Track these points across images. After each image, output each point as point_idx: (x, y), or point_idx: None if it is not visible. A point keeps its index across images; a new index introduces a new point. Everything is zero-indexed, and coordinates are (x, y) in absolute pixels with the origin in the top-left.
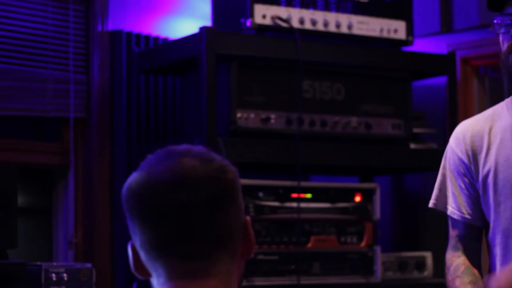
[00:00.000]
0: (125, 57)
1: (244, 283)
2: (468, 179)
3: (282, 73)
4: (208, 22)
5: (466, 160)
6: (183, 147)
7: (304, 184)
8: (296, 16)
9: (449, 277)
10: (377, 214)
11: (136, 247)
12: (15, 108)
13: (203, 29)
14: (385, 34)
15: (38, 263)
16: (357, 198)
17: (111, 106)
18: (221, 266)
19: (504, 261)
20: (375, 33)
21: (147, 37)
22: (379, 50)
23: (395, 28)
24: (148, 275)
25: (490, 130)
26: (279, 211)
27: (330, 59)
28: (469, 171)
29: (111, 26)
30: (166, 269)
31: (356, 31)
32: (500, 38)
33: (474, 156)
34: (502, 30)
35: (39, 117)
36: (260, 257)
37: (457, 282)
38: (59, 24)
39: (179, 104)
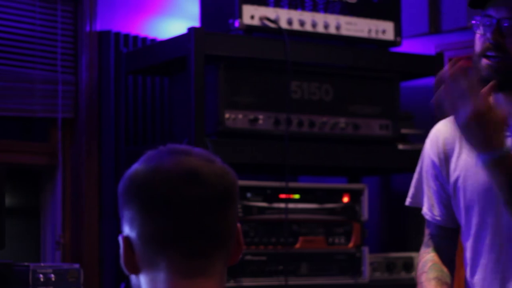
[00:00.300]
0: (113, 57)
1: (232, 283)
2: (440, 182)
3: (270, 74)
4: (196, 23)
5: (438, 163)
6: (184, 147)
7: (292, 184)
8: (284, 17)
9: (418, 272)
10: (365, 214)
11: (132, 239)
12: (3, 109)
13: (191, 30)
14: (373, 35)
15: (26, 263)
16: (345, 199)
17: (99, 107)
18: (219, 266)
19: (473, 265)
20: (363, 34)
21: (136, 38)
22: (367, 51)
23: (383, 29)
24: (137, 271)
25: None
26: (267, 211)
27: (318, 60)
28: (441, 174)
29: (99, 26)
30: (167, 264)
31: (344, 31)
32: (476, 38)
33: (446, 159)
34: (479, 30)
35: (27, 118)
36: (248, 257)
37: (423, 277)
38: (47, 24)
39: (167, 104)
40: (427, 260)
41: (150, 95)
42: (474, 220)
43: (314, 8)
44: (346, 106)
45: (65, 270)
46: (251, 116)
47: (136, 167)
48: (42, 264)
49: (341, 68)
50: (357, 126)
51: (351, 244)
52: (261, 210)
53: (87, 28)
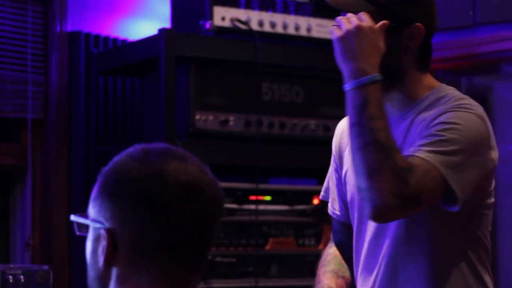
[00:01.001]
0: (83, 58)
1: (202, 285)
2: (338, 175)
3: (241, 75)
4: (167, 24)
5: (336, 156)
6: (177, 149)
7: (262, 186)
8: (255, 19)
9: (318, 266)
10: None
11: (117, 236)
12: None
13: (162, 31)
14: None
15: None
16: (315, 201)
17: (70, 107)
18: (200, 274)
19: (356, 261)
20: None
21: (106, 38)
22: None
23: None
24: (112, 266)
25: None
26: (238, 213)
27: (289, 62)
28: (338, 167)
29: (69, 27)
30: (157, 272)
31: (315, 33)
32: None
33: (339, 153)
34: None
35: None
36: (218, 259)
37: (321, 270)
38: (17, 24)
39: (138, 105)
40: (328, 254)
41: (121, 96)
42: (356, 215)
43: (285, 10)
44: (317, 107)
45: (35, 271)
46: (222, 118)
47: (129, 163)
48: (11, 265)
49: (312, 70)
50: (328, 128)
51: (321, 246)
52: (232, 211)
53: (57, 29)
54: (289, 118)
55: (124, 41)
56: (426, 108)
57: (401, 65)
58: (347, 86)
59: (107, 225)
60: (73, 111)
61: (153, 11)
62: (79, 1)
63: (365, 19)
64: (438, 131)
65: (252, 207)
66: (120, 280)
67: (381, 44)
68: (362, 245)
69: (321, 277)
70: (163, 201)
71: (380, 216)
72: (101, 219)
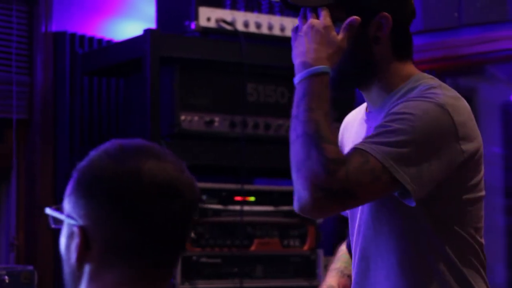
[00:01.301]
0: (68, 58)
1: (187, 286)
2: None
3: (226, 76)
4: (152, 24)
5: None
6: (152, 146)
7: (247, 187)
8: (241, 19)
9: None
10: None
11: (90, 234)
12: None
13: (147, 31)
14: None
15: None
16: None
17: (55, 108)
18: (172, 274)
19: (353, 257)
20: None
21: (91, 39)
22: None
23: None
24: (83, 265)
25: (352, 123)
26: (223, 214)
27: (275, 62)
28: None
29: (54, 27)
30: (130, 271)
31: None
32: None
33: (341, 147)
34: None
35: None
36: (203, 260)
37: (331, 266)
38: (2, 25)
39: (123, 106)
40: (340, 250)
41: (106, 96)
42: (348, 212)
43: (271, 11)
44: None
45: (19, 271)
46: (207, 118)
47: (105, 161)
48: None
49: None
50: None
51: (306, 247)
52: (217, 212)
53: (43, 29)
54: (274, 119)
55: (109, 42)
56: (397, 100)
57: (373, 57)
58: (294, 82)
59: (81, 222)
60: (58, 111)
61: (138, 11)
62: (64, 1)
63: (322, 16)
64: (387, 122)
65: (237, 207)
66: (92, 277)
67: (335, 39)
68: (354, 239)
69: (327, 274)
70: (137, 200)
71: (304, 209)
72: (75, 215)
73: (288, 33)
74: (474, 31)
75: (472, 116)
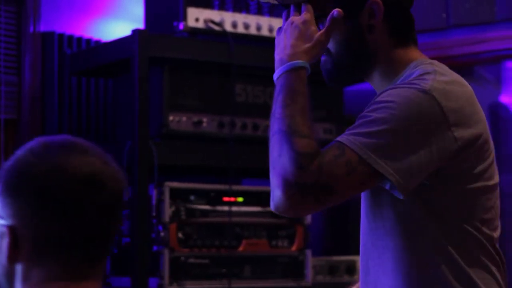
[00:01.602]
0: (57, 58)
1: (175, 286)
2: None
3: (215, 77)
4: (140, 25)
5: None
6: (78, 140)
7: (235, 187)
8: (229, 20)
9: None
10: (308, 218)
11: (18, 232)
12: None
13: (135, 32)
14: None
15: None
16: None
17: (43, 108)
18: (103, 267)
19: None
20: None
21: (80, 39)
22: None
23: None
24: (14, 265)
25: None
26: (211, 214)
27: (263, 63)
28: None
29: (43, 27)
30: (58, 266)
31: None
32: None
33: None
34: None
35: None
36: (191, 260)
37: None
38: None
39: (111, 106)
40: None
41: (94, 96)
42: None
43: (259, 12)
44: None
45: None
46: (195, 119)
47: (29, 159)
48: None
49: None
50: None
51: (294, 247)
52: (205, 213)
53: (31, 29)
54: (262, 120)
55: (97, 42)
56: None
57: (369, 46)
58: (274, 79)
59: (10, 221)
60: (46, 111)
61: (126, 12)
62: (52, 1)
63: (303, 11)
64: (368, 111)
65: (225, 208)
66: (24, 276)
67: (313, 33)
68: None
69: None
70: (63, 196)
71: (279, 207)
72: (4, 215)
73: None
74: (462, 32)
75: (472, 101)
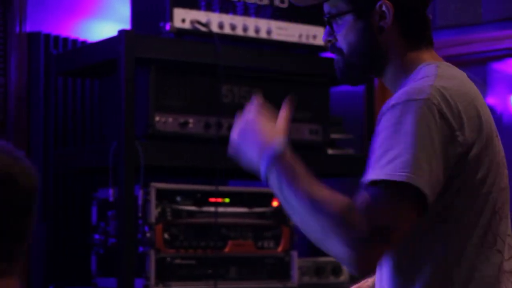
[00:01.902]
0: (43, 59)
1: (161, 287)
2: None
3: (201, 77)
4: (127, 25)
5: None
6: None
7: (222, 188)
8: (216, 21)
9: None
10: None
11: None
12: None
13: (122, 32)
14: (304, 40)
15: None
16: (275, 203)
17: (29, 109)
18: (20, 264)
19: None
20: (294, 39)
21: (66, 39)
22: (298, 56)
23: (314, 34)
24: None
25: None
26: (197, 215)
27: (249, 64)
28: None
29: (29, 27)
30: None
31: (275, 36)
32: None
33: None
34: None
35: None
36: (177, 261)
37: None
38: None
39: (97, 107)
40: None
41: (80, 97)
42: None
43: (246, 12)
44: (276, 110)
45: None
46: (182, 120)
47: None
48: None
49: (272, 73)
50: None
51: (280, 248)
52: (191, 213)
53: (17, 29)
54: None
55: (83, 42)
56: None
57: (380, 48)
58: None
59: None
60: (32, 112)
61: (113, 12)
62: (38, 1)
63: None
64: (378, 143)
65: (212, 209)
66: None
67: (259, 127)
68: None
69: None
70: None
71: (358, 269)
72: None
73: (263, 34)
74: (448, 33)
75: (473, 102)
